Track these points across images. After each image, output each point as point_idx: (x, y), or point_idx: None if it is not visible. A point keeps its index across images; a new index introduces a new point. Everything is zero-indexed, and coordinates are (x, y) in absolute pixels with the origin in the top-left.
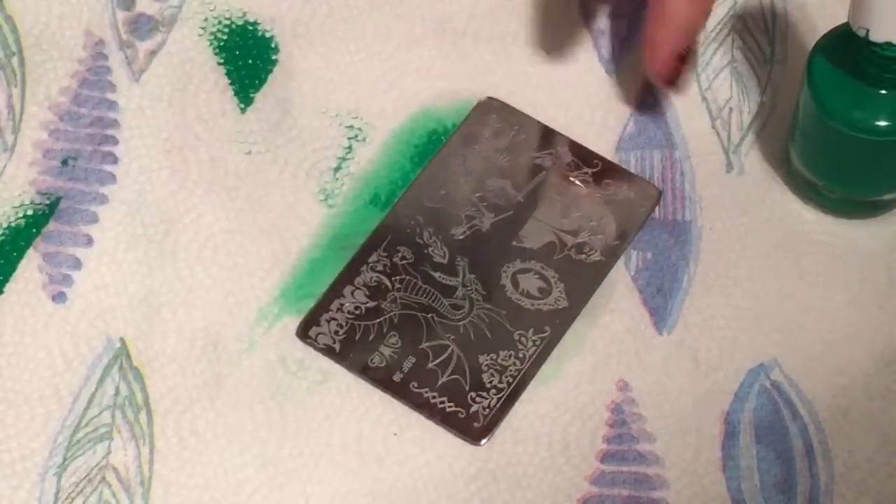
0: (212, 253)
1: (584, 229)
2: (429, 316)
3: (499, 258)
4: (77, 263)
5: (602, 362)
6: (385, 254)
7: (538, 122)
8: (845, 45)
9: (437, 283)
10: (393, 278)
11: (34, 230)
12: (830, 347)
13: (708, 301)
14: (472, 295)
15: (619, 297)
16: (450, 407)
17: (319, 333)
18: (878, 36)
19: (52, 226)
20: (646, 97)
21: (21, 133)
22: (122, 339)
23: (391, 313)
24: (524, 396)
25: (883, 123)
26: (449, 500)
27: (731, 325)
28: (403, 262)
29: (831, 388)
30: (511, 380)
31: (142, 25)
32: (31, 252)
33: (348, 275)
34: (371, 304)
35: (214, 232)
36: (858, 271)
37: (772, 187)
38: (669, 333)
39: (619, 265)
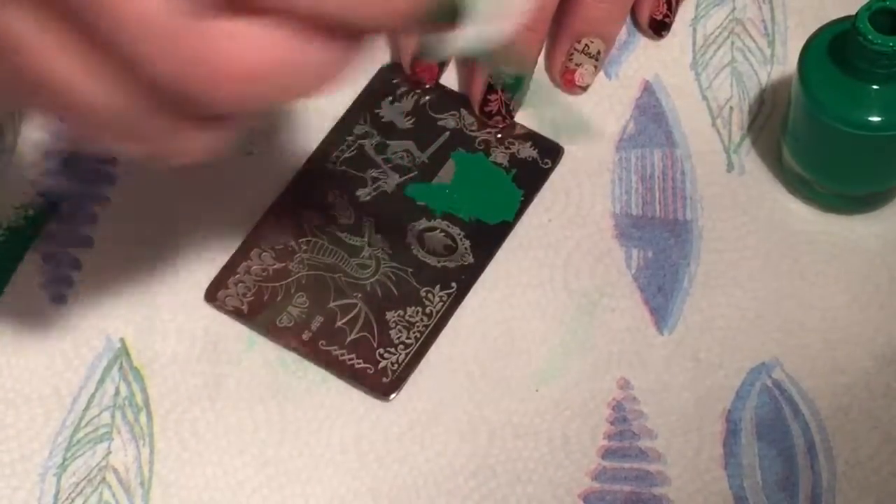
0: (212, 253)
1: None
2: (336, 276)
3: (404, 218)
4: (77, 264)
5: (603, 361)
6: (291, 216)
7: (441, 84)
8: (836, 41)
9: (344, 244)
10: (300, 240)
11: (34, 231)
12: (831, 346)
13: (709, 300)
14: (379, 254)
15: (619, 297)
16: (358, 364)
17: (227, 296)
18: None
19: (52, 226)
20: (646, 96)
21: (21, 133)
22: (122, 340)
23: (298, 274)
24: (525, 394)
25: (874, 119)
26: (449, 497)
27: (732, 325)
28: (310, 223)
29: (832, 386)
30: (419, 335)
31: None
32: (30, 253)
33: (255, 237)
34: (278, 265)
35: (214, 233)
36: (859, 270)
37: (772, 187)
38: (670, 333)
39: (619, 261)
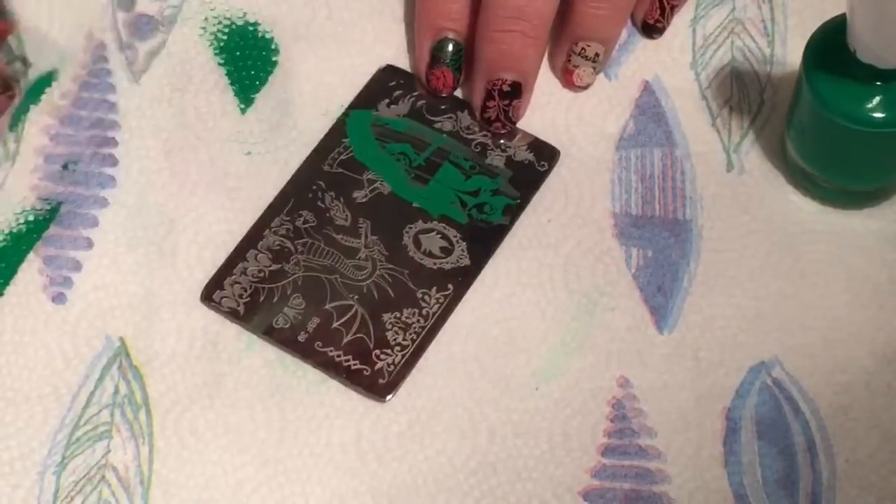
0: (211, 253)
1: (485, 190)
2: (332, 277)
3: (400, 220)
4: (77, 265)
5: (602, 360)
6: (287, 218)
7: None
8: (841, 36)
9: (340, 246)
10: (296, 241)
11: (35, 235)
12: (831, 345)
13: (709, 300)
14: (375, 256)
15: (619, 296)
16: (355, 365)
17: (223, 297)
18: (862, 57)
19: (52, 230)
20: (646, 96)
21: (23, 139)
22: (121, 339)
23: (295, 276)
24: (525, 393)
25: (877, 115)
26: (449, 494)
27: (732, 324)
28: (306, 225)
29: (832, 385)
30: (415, 336)
31: (142, 25)
32: (31, 256)
33: (251, 239)
34: (275, 266)
35: (214, 233)
36: (859, 270)
37: (772, 186)
38: (670, 332)
39: (618, 261)
